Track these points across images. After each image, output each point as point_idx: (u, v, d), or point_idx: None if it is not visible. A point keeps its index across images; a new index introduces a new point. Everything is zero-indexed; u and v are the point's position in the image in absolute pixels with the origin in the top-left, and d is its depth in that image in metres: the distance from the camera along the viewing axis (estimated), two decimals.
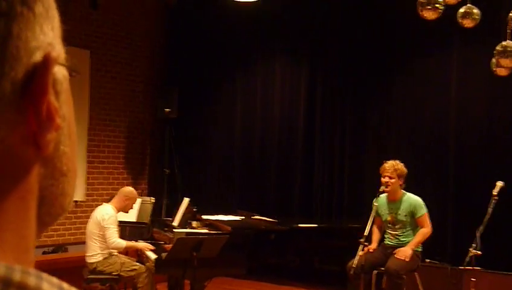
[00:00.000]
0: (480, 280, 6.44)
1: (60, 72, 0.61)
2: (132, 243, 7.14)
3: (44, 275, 0.55)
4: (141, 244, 7.14)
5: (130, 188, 7.45)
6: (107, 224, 6.89)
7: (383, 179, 6.81)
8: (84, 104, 9.96)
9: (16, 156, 0.57)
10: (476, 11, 6.31)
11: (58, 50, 0.61)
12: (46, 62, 0.58)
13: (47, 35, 0.59)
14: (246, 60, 10.76)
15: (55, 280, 0.55)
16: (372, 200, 6.79)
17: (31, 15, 0.57)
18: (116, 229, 6.99)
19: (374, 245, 7.00)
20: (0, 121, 0.55)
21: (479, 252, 5.85)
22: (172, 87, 10.89)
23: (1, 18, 0.54)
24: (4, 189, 0.57)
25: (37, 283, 0.53)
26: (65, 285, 0.56)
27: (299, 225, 7.68)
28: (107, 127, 10.63)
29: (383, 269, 6.71)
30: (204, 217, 7.46)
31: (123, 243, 7.00)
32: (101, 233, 6.92)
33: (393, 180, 6.77)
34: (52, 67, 0.58)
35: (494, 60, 6.46)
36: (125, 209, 7.26)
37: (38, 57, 0.57)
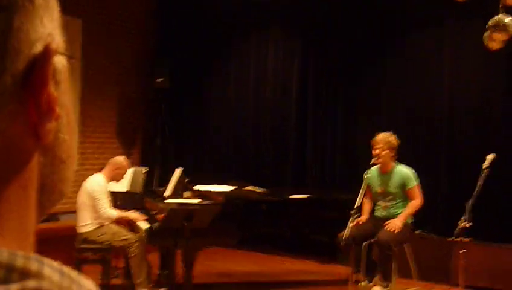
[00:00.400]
0: (470, 251, 6.49)
1: (59, 61, 0.62)
2: (123, 213, 7.16)
3: (46, 260, 0.56)
4: (133, 214, 7.16)
5: (120, 157, 7.44)
6: (97, 195, 6.91)
7: (374, 151, 6.83)
8: (75, 74, 9.92)
9: (16, 146, 0.58)
10: None
11: (58, 40, 0.62)
12: (46, 54, 0.58)
13: (46, 26, 0.59)
14: (239, 31, 10.72)
15: (55, 264, 0.57)
16: (364, 171, 6.83)
17: (31, 7, 0.57)
18: (107, 199, 7.01)
19: (364, 217, 7.04)
20: (2, 112, 0.56)
21: (468, 225, 5.89)
22: (165, 58, 10.85)
23: (2, 12, 0.55)
24: (6, 179, 0.58)
25: (39, 268, 0.55)
26: (65, 268, 0.58)
27: (291, 196, 7.71)
28: (99, 96, 10.60)
29: (373, 240, 6.77)
30: (196, 187, 7.49)
31: (114, 213, 7.02)
32: (92, 203, 6.94)
33: (384, 152, 6.80)
34: (52, 59, 0.59)
35: (486, 34, 6.47)
36: (116, 179, 7.26)
37: (38, 48, 0.58)
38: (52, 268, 0.56)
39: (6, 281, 0.53)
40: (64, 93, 0.63)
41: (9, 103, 0.57)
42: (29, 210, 0.61)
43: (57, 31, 0.62)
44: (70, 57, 0.65)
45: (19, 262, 0.54)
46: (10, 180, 0.58)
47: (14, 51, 0.56)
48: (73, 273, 0.58)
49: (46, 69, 0.59)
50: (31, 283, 0.54)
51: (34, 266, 0.55)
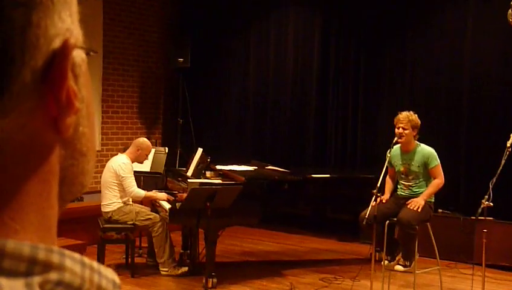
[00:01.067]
0: (492, 231, 6.47)
1: (78, 55, 0.63)
2: (151, 193, 7.20)
3: (67, 252, 0.57)
4: (160, 194, 7.20)
5: (143, 139, 7.47)
6: (124, 174, 6.96)
7: (397, 130, 6.79)
8: (97, 54, 9.93)
9: (37, 140, 0.59)
10: None
11: (76, 35, 0.62)
12: (65, 49, 0.59)
13: (65, 21, 0.60)
14: (259, 9, 10.67)
15: (76, 255, 0.58)
16: (386, 150, 6.80)
17: (49, 3, 0.58)
18: (133, 178, 7.06)
19: (386, 196, 7.02)
20: (22, 108, 0.57)
21: (491, 204, 5.86)
22: (186, 37, 10.83)
23: (21, 7, 0.55)
24: (27, 173, 0.59)
25: (61, 260, 0.56)
26: (86, 259, 0.59)
27: (312, 175, 7.71)
28: (121, 77, 10.63)
29: (395, 219, 6.75)
30: (218, 167, 7.50)
31: (142, 192, 7.08)
32: (117, 182, 6.99)
33: (407, 131, 6.75)
34: (71, 54, 0.60)
35: (510, 12, 6.39)
36: (139, 160, 7.30)
37: (57, 44, 0.58)
38: (73, 260, 0.57)
39: (28, 274, 0.54)
40: (84, 87, 0.64)
41: (29, 98, 0.57)
42: (51, 203, 0.62)
43: (76, 24, 0.62)
44: (90, 50, 0.65)
45: (41, 255, 0.55)
46: (30, 174, 0.59)
47: (33, 47, 0.56)
48: (95, 264, 0.59)
49: (65, 64, 0.59)
50: (53, 275, 0.55)
51: (55, 258, 0.56)
